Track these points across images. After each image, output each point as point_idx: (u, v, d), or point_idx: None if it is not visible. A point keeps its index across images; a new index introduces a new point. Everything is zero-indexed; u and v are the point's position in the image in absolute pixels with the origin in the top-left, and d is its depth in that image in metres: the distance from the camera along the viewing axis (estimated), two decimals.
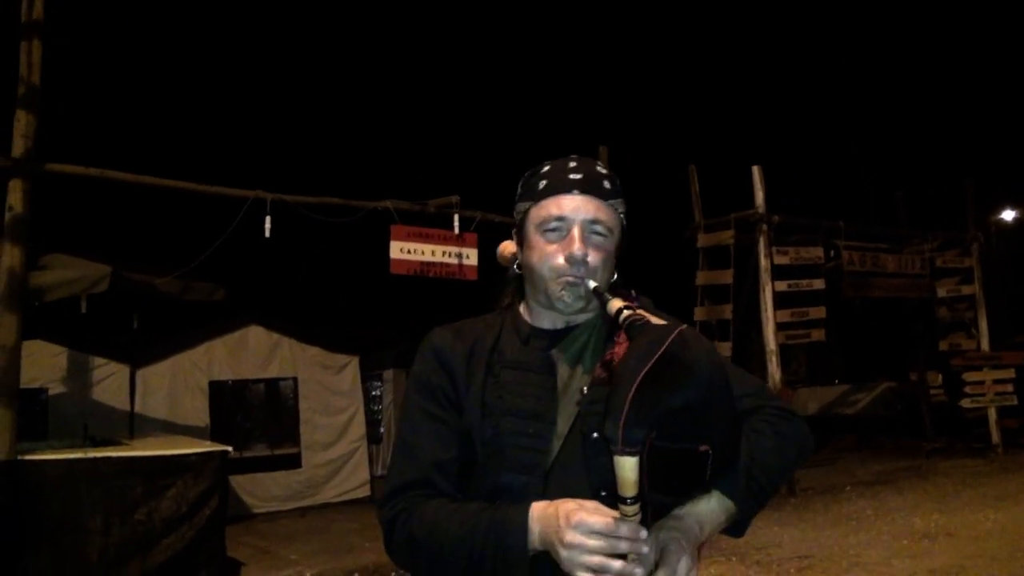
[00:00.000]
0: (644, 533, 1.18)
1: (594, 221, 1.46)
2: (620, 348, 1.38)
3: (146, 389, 8.98)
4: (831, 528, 7.42)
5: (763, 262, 10.28)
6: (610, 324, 1.46)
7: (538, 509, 1.25)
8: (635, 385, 1.13)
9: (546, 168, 1.53)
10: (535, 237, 1.48)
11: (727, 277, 10.24)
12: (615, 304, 1.35)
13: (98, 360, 8.86)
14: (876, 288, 11.89)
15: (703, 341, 1.23)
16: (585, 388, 1.41)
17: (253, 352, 9.78)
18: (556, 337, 1.49)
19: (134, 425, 8.45)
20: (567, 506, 1.21)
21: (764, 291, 10.24)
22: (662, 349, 1.16)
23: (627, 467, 1.15)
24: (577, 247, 1.43)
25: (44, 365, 8.45)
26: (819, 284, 10.73)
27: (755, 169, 10.41)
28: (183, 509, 6.00)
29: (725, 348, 9.96)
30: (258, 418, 10.04)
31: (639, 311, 1.31)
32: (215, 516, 6.17)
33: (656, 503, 1.21)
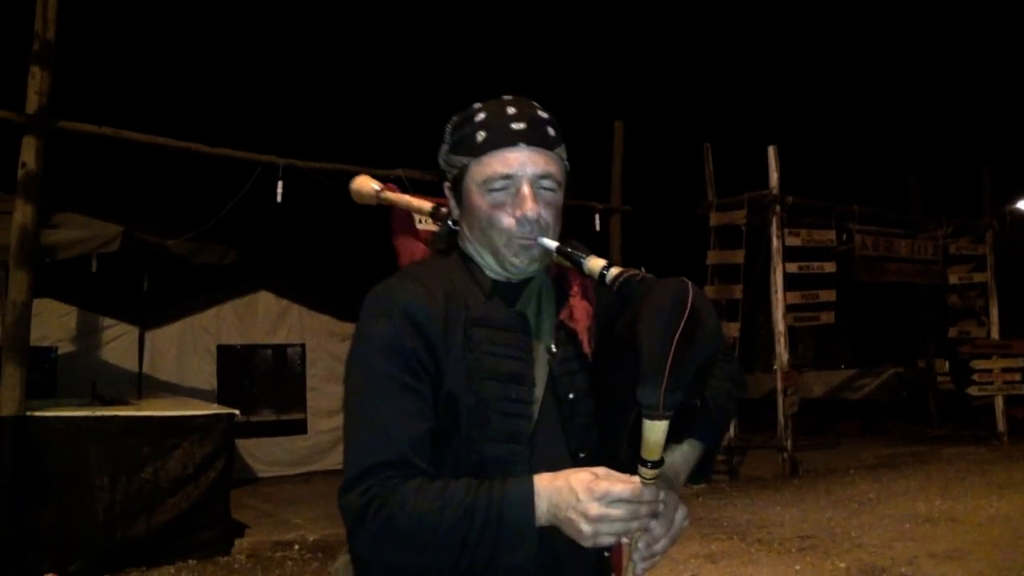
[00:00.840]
0: (663, 495, 1.17)
1: (543, 175, 1.33)
2: (577, 302, 1.38)
3: (155, 351, 9.04)
4: (833, 510, 7.44)
5: (775, 243, 10.23)
6: (556, 277, 1.42)
7: (543, 482, 1.15)
8: (672, 347, 1.09)
9: (481, 116, 1.36)
10: (479, 197, 1.34)
11: (738, 257, 10.19)
12: (596, 263, 1.29)
13: (107, 321, 8.91)
14: (888, 273, 11.84)
15: (701, 290, 1.17)
16: (552, 347, 1.35)
17: (262, 317, 9.82)
18: (515, 290, 1.38)
19: (142, 386, 8.51)
20: (581, 476, 1.13)
21: (775, 272, 10.20)
22: (689, 307, 1.12)
23: (659, 431, 1.13)
24: (530, 207, 1.31)
25: (53, 324, 8.50)
26: (830, 267, 10.67)
27: (771, 149, 10.34)
28: (189, 470, 6.05)
29: (733, 328, 9.94)
30: (265, 383, 10.10)
31: (626, 268, 1.28)
32: (220, 478, 6.23)
33: (635, 459, 1.18)
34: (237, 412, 6.71)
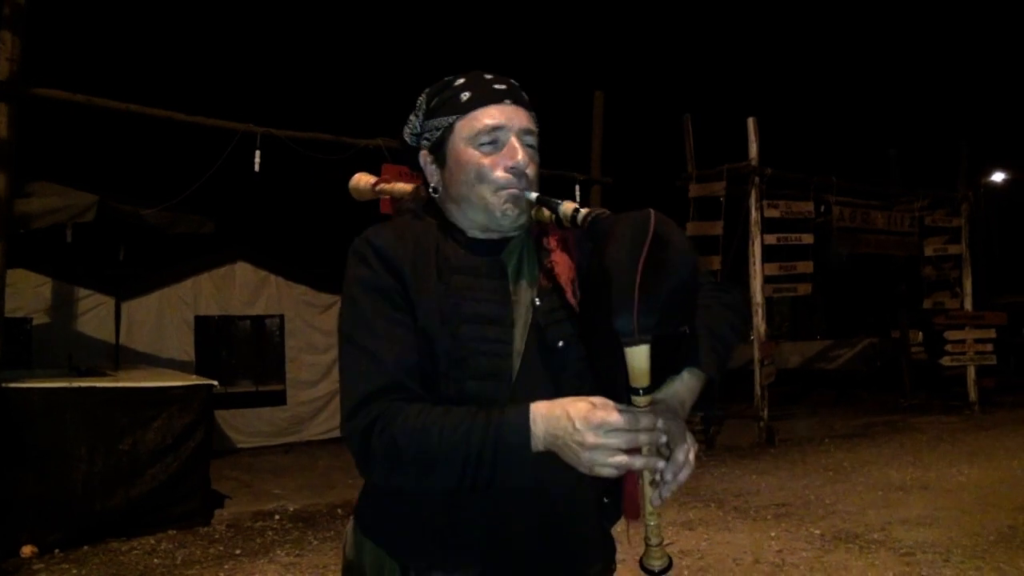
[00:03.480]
0: (660, 423, 1.19)
1: (527, 131, 1.38)
2: (557, 256, 1.40)
3: (131, 322, 8.96)
4: (808, 478, 7.55)
5: (754, 215, 10.28)
6: (537, 234, 1.44)
7: (540, 409, 1.18)
8: (639, 272, 1.12)
9: (461, 81, 1.41)
10: (468, 151, 1.36)
11: (717, 228, 10.22)
12: (569, 206, 1.31)
13: (83, 291, 8.80)
14: (864, 244, 11.94)
15: (669, 219, 1.20)
16: (538, 299, 1.37)
17: (240, 288, 9.75)
18: (495, 247, 1.41)
19: (119, 357, 8.45)
20: (579, 406, 1.16)
21: (753, 243, 10.26)
22: (651, 232, 1.14)
23: (641, 356, 1.15)
24: (521, 157, 1.35)
25: (28, 295, 8.39)
26: (808, 239, 10.74)
27: (750, 121, 10.36)
28: (168, 441, 6.03)
29: None
30: (243, 354, 10.06)
31: (595, 208, 1.29)
32: (200, 449, 6.20)
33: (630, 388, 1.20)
34: (216, 383, 6.68)
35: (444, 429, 1.19)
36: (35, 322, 8.52)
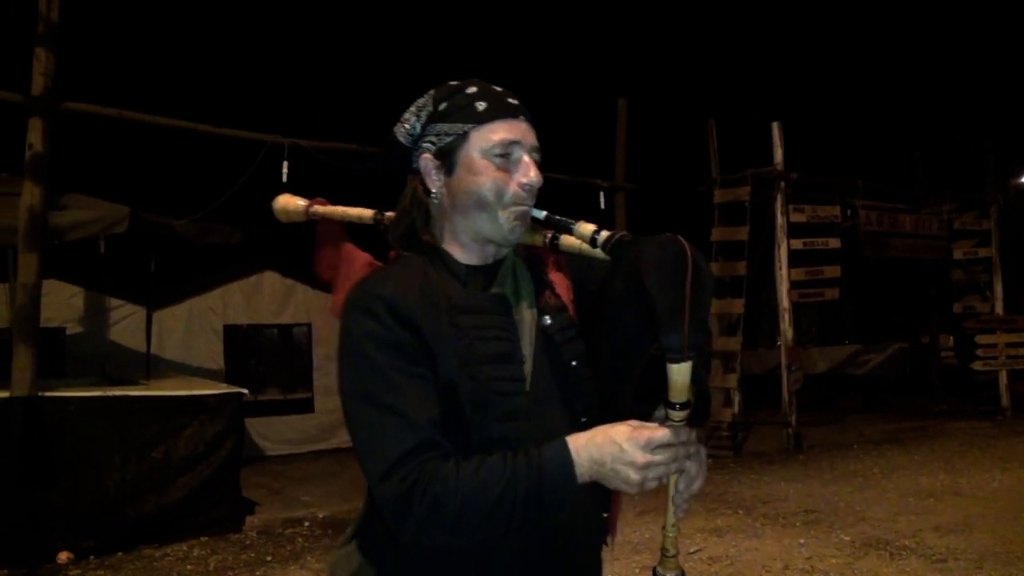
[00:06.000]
0: (694, 435, 1.24)
1: (536, 149, 1.39)
2: (555, 275, 1.44)
3: (162, 331, 9.08)
4: (837, 484, 7.49)
5: (779, 219, 10.23)
6: (526, 257, 1.46)
7: (579, 440, 1.20)
8: (687, 290, 1.16)
9: (473, 89, 1.40)
10: (482, 162, 1.34)
11: (742, 234, 10.19)
12: (587, 227, 1.34)
13: (115, 301, 8.95)
14: (892, 248, 11.84)
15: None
16: (547, 319, 1.39)
17: (268, 297, 9.86)
18: (489, 273, 1.40)
19: (150, 366, 8.57)
20: (619, 428, 1.18)
21: (779, 249, 10.21)
22: (690, 255, 1.19)
23: (685, 373, 1.18)
24: (535, 174, 1.35)
25: (61, 305, 8.54)
26: (835, 243, 10.68)
27: (775, 125, 10.32)
28: (199, 449, 6.11)
29: (738, 305, 9.96)
30: (272, 363, 10.15)
31: (614, 231, 1.32)
32: (230, 456, 6.29)
33: (640, 414, 1.24)
34: (246, 391, 6.76)
35: (487, 481, 1.18)
36: (69, 332, 8.67)
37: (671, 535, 1.30)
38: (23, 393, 5.50)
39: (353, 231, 1.80)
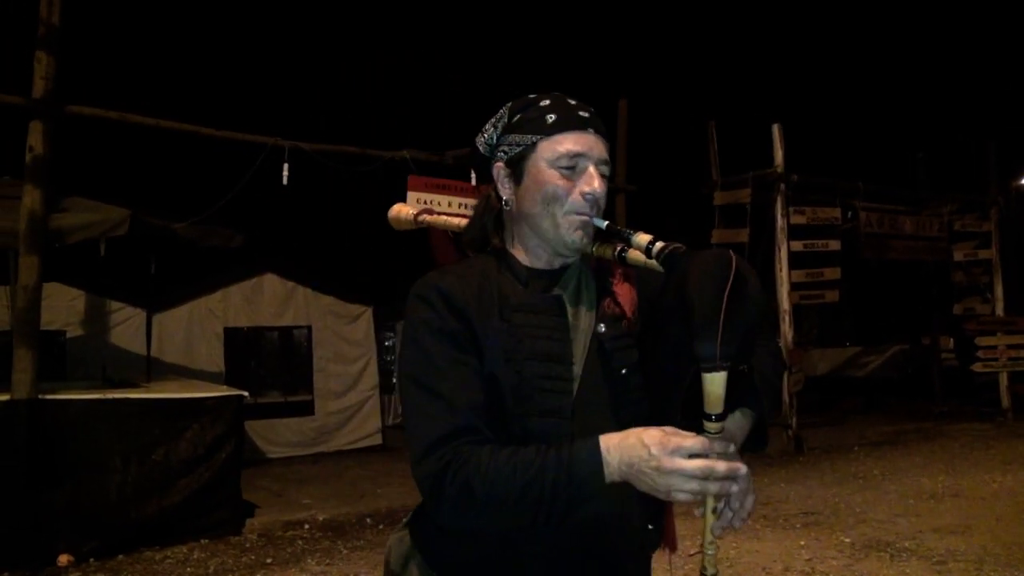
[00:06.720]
0: (732, 448, 1.23)
1: (604, 161, 1.43)
2: (620, 286, 1.45)
3: (162, 334, 9.09)
4: (837, 486, 7.49)
5: (780, 221, 10.24)
6: (595, 268, 1.49)
7: (612, 440, 1.21)
8: (724, 301, 1.16)
9: (547, 102, 1.45)
10: (548, 171, 1.39)
11: (743, 236, 10.18)
12: (643, 237, 1.36)
13: (115, 304, 8.96)
14: (893, 250, 11.83)
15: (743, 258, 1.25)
16: (603, 326, 1.41)
17: (268, 300, 9.87)
18: (553, 277, 1.45)
19: (150, 369, 8.57)
20: (651, 432, 1.18)
21: (780, 251, 10.21)
22: (734, 267, 1.19)
23: (719, 383, 1.18)
24: (597, 185, 1.39)
25: (62, 308, 8.55)
26: (835, 245, 10.68)
27: (775, 127, 10.33)
28: (199, 451, 6.11)
29: None
30: (272, 365, 10.16)
31: (669, 242, 1.33)
32: (231, 459, 6.29)
33: (689, 428, 1.22)
34: (246, 394, 6.76)
35: (516, 469, 1.21)
36: (69, 335, 8.68)
37: (710, 553, 1.30)
38: (24, 396, 5.50)
39: None
